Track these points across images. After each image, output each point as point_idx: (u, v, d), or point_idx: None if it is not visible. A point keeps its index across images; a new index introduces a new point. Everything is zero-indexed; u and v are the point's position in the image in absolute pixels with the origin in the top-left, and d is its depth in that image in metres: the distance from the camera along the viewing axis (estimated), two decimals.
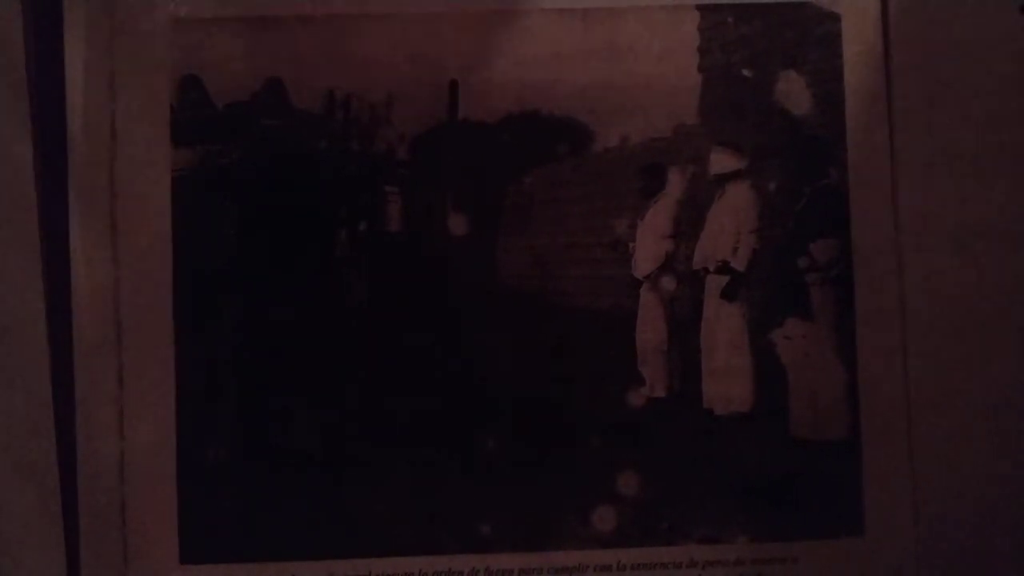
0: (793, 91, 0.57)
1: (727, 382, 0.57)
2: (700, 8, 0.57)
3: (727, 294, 0.58)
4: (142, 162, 0.55)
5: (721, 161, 0.57)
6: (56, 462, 0.54)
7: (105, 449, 0.54)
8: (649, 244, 0.58)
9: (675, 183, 0.57)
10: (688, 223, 0.58)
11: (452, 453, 0.56)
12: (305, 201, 0.56)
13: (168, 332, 0.55)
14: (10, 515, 0.54)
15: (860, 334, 0.56)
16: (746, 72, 0.57)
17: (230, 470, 0.55)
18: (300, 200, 0.56)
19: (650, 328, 0.58)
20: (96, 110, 0.55)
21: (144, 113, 0.55)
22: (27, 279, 0.54)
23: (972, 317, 0.56)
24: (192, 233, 0.55)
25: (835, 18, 0.57)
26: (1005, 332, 0.56)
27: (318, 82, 0.56)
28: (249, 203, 0.56)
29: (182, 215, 0.55)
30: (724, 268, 0.58)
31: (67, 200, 0.55)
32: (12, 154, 0.54)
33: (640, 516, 0.56)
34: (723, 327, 0.57)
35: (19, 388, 0.54)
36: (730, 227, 0.58)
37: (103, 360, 0.55)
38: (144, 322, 0.55)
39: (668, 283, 0.58)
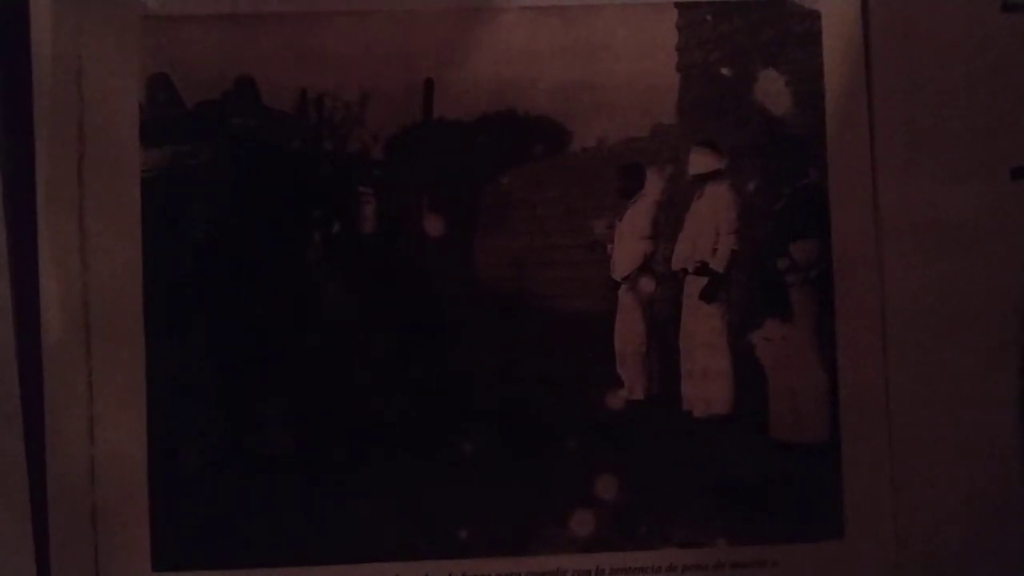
0: (772, 90, 0.56)
1: (706, 384, 0.56)
2: (679, 6, 0.56)
3: (706, 295, 0.57)
4: (111, 162, 0.54)
5: (700, 161, 0.57)
6: (25, 468, 0.53)
7: (75, 455, 0.53)
8: (627, 245, 0.57)
9: (653, 183, 0.57)
10: (667, 224, 0.57)
11: (429, 457, 0.55)
12: (278, 202, 0.56)
13: (138, 335, 0.54)
14: None
15: (840, 335, 0.56)
16: (725, 71, 0.56)
17: (203, 475, 0.54)
18: (272, 201, 0.55)
19: (628, 330, 0.57)
20: (63, 109, 0.54)
21: (112, 112, 0.54)
22: None
23: (952, 318, 0.56)
24: (162, 234, 0.54)
25: (815, 16, 0.56)
26: (986, 332, 0.56)
27: (291, 81, 0.55)
28: (220, 204, 0.55)
29: (152, 216, 0.54)
30: (703, 269, 0.57)
31: (34, 201, 0.54)
32: None
33: (619, 520, 0.55)
34: (702, 328, 0.57)
35: None
36: (709, 228, 0.57)
37: (72, 364, 0.54)
38: (114, 325, 0.54)
39: (647, 284, 0.57)
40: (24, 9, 0.54)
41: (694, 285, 0.57)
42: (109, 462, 0.54)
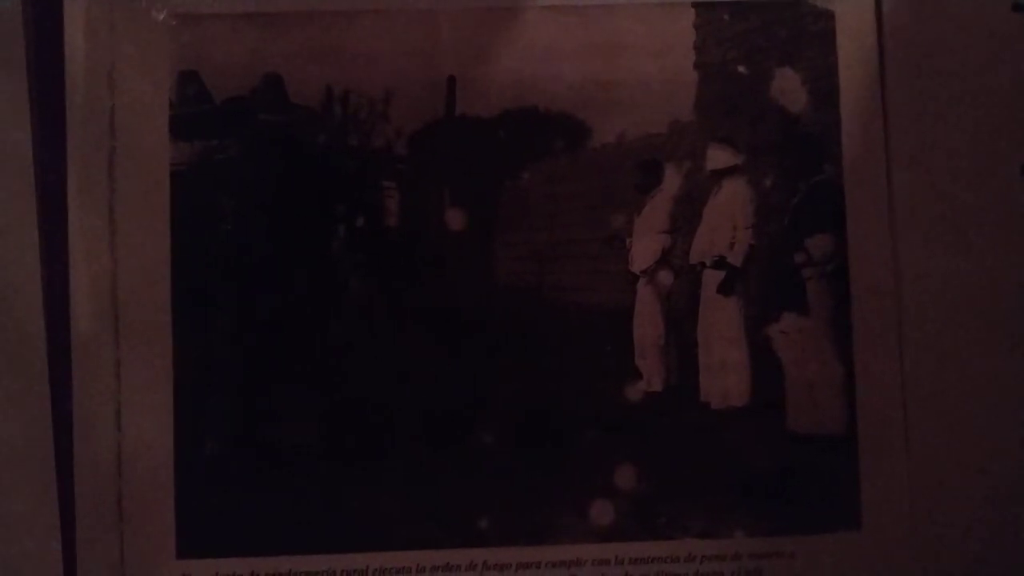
0: (788, 88, 0.57)
1: (724, 376, 0.57)
2: (696, 5, 0.57)
3: (724, 289, 0.58)
4: (141, 157, 0.55)
5: (717, 157, 0.58)
6: (53, 455, 0.54)
7: (102, 443, 0.54)
8: (646, 239, 0.58)
9: (671, 179, 0.58)
10: (685, 218, 0.58)
11: (449, 447, 0.56)
12: (303, 196, 0.57)
13: (166, 326, 0.55)
14: (6, 508, 0.54)
15: (856, 329, 0.56)
16: (741, 69, 0.58)
17: (227, 464, 0.55)
18: (298, 195, 0.57)
19: (647, 323, 0.58)
20: (95, 105, 0.55)
21: (143, 108, 0.55)
22: (25, 273, 0.54)
23: (968, 311, 0.56)
24: (190, 228, 0.55)
25: (829, 15, 0.57)
26: (1001, 326, 0.56)
27: (316, 78, 0.56)
28: (247, 198, 0.56)
29: (180, 210, 0.55)
30: (721, 263, 0.58)
31: (66, 194, 0.55)
32: (11, 148, 0.54)
33: (637, 510, 0.56)
34: (720, 322, 0.58)
35: (16, 382, 0.54)
36: (726, 222, 0.58)
37: (100, 354, 0.54)
38: (142, 316, 0.55)
39: (665, 278, 0.58)
40: (58, 7, 0.55)
41: (712, 279, 0.58)
42: (136, 450, 0.54)
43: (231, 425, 0.55)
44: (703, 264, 0.58)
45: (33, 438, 0.54)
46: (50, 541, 0.54)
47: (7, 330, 0.54)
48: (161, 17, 0.56)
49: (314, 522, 0.55)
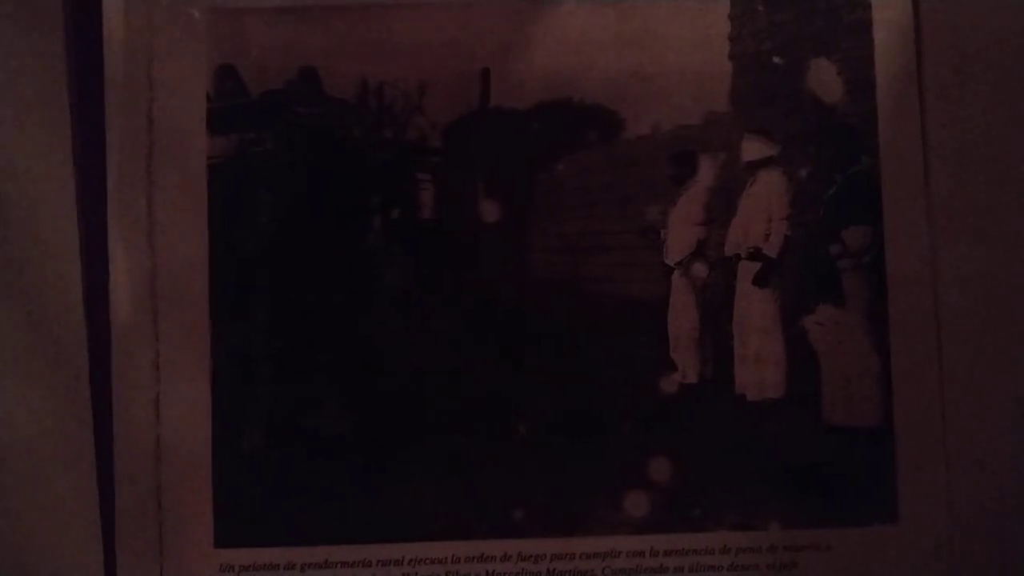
0: (824, 78, 0.57)
1: (759, 368, 0.57)
2: None
3: (759, 280, 0.58)
4: (179, 150, 0.56)
5: (752, 148, 0.57)
6: (93, 447, 0.55)
7: (141, 434, 0.55)
8: (681, 231, 0.58)
9: (706, 170, 0.58)
10: (720, 210, 0.58)
11: (485, 439, 0.56)
12: (339, 188, 0.57)
13: (204, 319, 0.55)
14: (47, 499, 0.54)
15: (893, 321, 0.56)
16: (777, 59, 0.57)
17: (265, 455, 0.55)
18: (334, 187, 0.57)
19: (682, 314, 0.58)
20: (134, 99, 0.56)
21: (181, 102, 0.56)
22: (65, 266, 0.55)
23: (1005, 302, 0.56)
24: (227, 220, 0.56)
25: (866, 5, 0.57)
26: None
27: (352, 70, 0.57)
28: (283, 190, 0.57)
29: (218, 202, 0.56)
30: (756, 254, 0.58)
31: (105, 188, 0.55)
32: (50, 142, 0.55)
33: (672, 502, 0.56)
34: (755, 313, 0.58)
35: (57, 374, 0.55)
36: (762, 214, 0.58)
37: (140, 346, 0.55)
38: (180, 309, 0.55)
39: (700, 269, 0.58)
40: (96, 4, 0.56)
41: (747, 270, 0.58)
42: (174, 441, 0.55)
43: (269, 415, 0.56)
44: (738, 256, 0.58)
45: (73, 429, 0.55)
46: (90, 530, 0.54)
47: (48, 322, 0.55)
48: (198, 12, 0.56)
49: (350, 512, 0.55)
